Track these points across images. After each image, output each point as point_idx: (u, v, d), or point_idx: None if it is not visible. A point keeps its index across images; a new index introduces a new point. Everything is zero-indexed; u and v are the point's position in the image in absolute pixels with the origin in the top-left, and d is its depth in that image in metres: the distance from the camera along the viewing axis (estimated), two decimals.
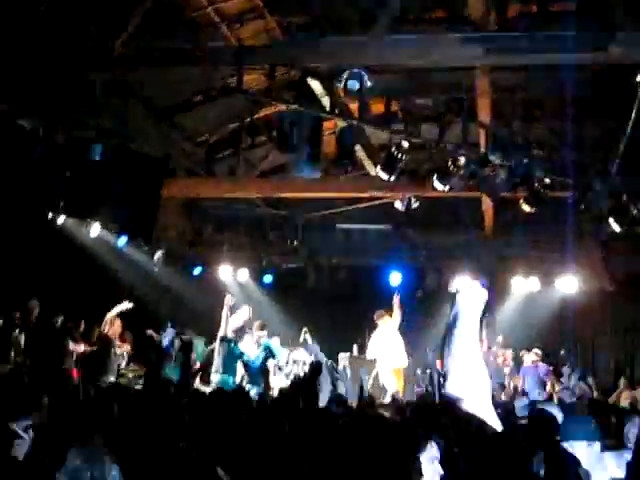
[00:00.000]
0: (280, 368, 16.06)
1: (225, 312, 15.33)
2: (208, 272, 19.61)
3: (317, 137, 11.60)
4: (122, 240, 16.32)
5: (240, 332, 15.35)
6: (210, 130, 16.06)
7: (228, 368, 14.75)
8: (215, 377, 14.42)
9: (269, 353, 15.50)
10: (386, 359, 15.89)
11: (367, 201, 17.36)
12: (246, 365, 15.12)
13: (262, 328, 15.95)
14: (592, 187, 13.19)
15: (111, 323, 14.42)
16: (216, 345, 15.09)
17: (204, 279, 19.59)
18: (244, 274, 19.90)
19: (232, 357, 14.98)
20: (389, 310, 16.42)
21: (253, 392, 13.91)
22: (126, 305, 14.58)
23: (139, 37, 11.17)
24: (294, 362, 16.26)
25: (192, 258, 19.51)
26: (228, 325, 15.19)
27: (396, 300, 16.37)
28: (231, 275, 19.83)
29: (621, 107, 11.90)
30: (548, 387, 16.74)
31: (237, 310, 15.48)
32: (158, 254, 17.85)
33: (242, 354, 15.08)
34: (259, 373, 15.28)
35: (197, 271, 19.53)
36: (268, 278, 20.17)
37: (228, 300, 15.44)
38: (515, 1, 11.65)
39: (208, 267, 19.61)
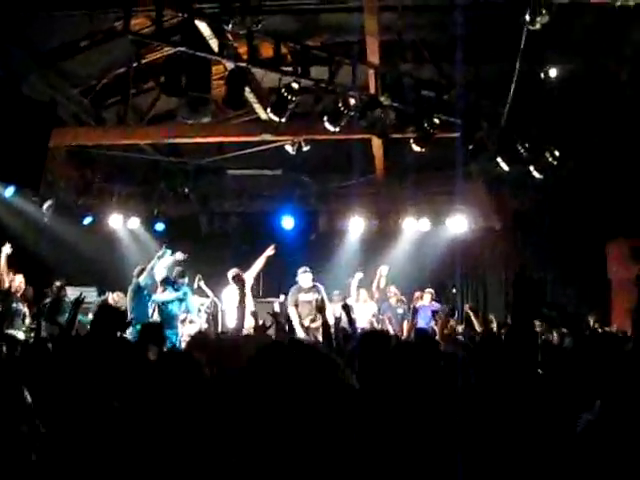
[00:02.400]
0: None
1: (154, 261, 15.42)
2: (98, 221, 19.32)
3: (206, 81, 11.51)
4: (9, 190, 15.93)
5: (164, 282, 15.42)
6: (96, 76, 15.75)
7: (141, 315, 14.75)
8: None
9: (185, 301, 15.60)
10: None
11: (258, 145, 17.29)
12: (161, 309, 15.19)
13: (182, 276, 15.87)
14: (480, 127, 13.42)
15: (7, 275, 14.10)
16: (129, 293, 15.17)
17: (95, 228, 19.31)
18: (135, 222, 19.69)
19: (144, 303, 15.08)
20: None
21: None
22: (6, 249, 14.14)
23: None
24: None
25: (82, 208, 19.18)
26: (149, 273, 15.30)
27: (268, 251, 15.97)
28: (122, 224, 19.60)
29: (511, 48, 12.11)
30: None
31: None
32: (47, 204, 17.49)
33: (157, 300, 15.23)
34: (175, 318, 15.31)
35: (87, 221, 19.21)
36: (160, 226, 19.93)
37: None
38: None
39: (98, 216, 19.33)
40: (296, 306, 15.58)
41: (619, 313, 17.11)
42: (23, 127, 11.71)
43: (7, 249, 14.03)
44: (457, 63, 13.47)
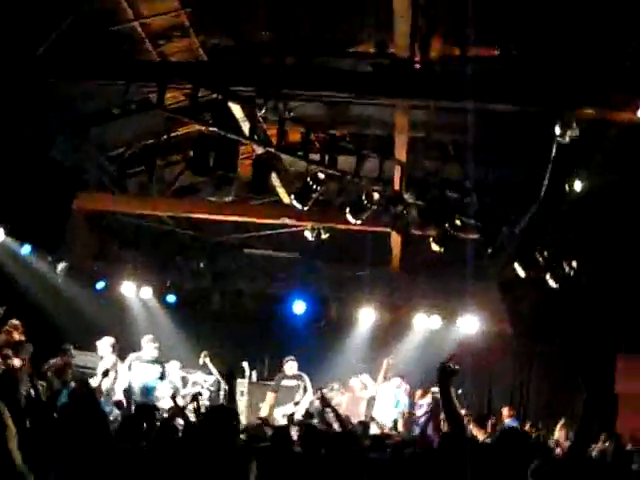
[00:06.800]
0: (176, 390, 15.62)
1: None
2: (111, 287, 19.23)
3: (233, 161, 11.57)
4: (26, 248, 15.92)
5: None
6: (125, 145, 15.88)
7: None
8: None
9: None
10: None
11: (277, 227, 17.37)
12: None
13: (154, 341, 15.65)
14: (500, 230, 13.42)
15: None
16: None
17: (107, 294, 19.22)
18: (147, 292, 19.61)
19: None
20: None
21: None
22: None
23: (62, 46, 11.00)
24: (194, 384, 16.09)
25: (96, 272, 19.12)
26: None
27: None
28: (134, 292, 19.52)
29: (537, 156, 12.17)
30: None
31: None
32: (61, 266, 17.47)
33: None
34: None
35: (100, 285, 19.13)
36: (172, 298, 19.88)
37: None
38: (438, 42, 11.83)
39: (111, 282, 19.25)
40: (276, 392, 16.01)
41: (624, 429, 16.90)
42: (48, 189, 11.81)
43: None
44: (482, 165, 13.58)
